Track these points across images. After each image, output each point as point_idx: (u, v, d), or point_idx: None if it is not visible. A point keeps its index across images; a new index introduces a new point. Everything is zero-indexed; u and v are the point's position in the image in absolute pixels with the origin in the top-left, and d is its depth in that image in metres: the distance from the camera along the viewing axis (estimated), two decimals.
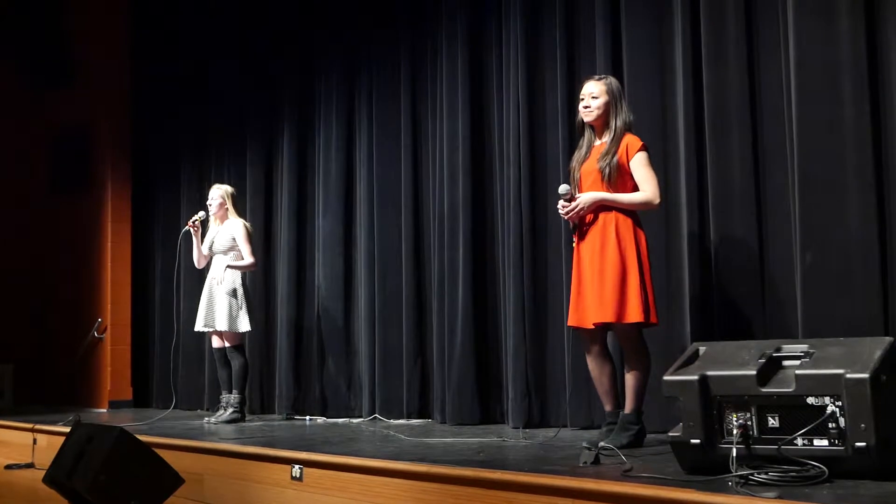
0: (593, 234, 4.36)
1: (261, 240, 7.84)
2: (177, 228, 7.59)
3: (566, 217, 4.44)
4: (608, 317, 4.25)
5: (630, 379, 4.34)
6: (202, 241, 6.96)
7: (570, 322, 4.48)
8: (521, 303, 5.71)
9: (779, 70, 4.59)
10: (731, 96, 4.79)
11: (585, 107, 4.50)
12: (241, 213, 7.13)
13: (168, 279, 8.68)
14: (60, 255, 9.74)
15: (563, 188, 4.42)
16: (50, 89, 9.87)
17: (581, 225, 4.43)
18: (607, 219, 4.34)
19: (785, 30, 4.50)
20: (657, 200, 4.36)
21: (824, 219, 4.24)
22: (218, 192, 6.99)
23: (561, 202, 4.41)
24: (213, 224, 6.99)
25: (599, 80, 4.54)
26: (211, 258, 6.92)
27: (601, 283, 4.27)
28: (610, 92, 4.47)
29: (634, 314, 4.23)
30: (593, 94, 4.49)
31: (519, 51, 5.91)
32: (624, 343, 4.41)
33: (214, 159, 8.67)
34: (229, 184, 7.33)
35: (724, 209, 4.77)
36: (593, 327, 4.34)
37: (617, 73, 5.27)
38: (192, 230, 6.89)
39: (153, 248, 9.36)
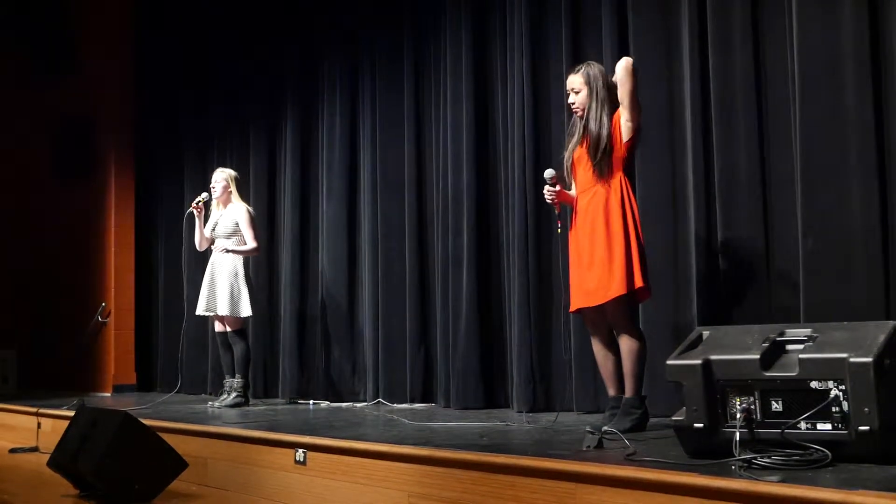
0: (584, 219, 4.40)
1: (264, 225, 7.85)
2: (180, 213, 7.60)
3: (552, 201, 4.47)
4: (599, 299, 4.29)
5: (627, 362, 4.34)
6: (205, 224, 6.97)
7: (572, 308, 4.51)
8: (526, 288, 5.71)
9: (784, 57, 4.58)
10: (737, 83, 4.77)
11: (572, 103, 4.52)
12: (244, 197, 7.13)
13: (171, 263, 8.71)
14: (64, 241, 9.75)
15: (548, 172, 4.45)
16: (53, 77, 9.86)
17: (574, 209, 4.48)
18: (595, 200, 4.35)
19: (790, 17, 4.48)
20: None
21: (827, 205, 4.24)
22: (221, 176, 6.98)
23: (546, 187, 4.44)
24: (216, 208, 6.99)
25: (577, 71, 4.52)
26: (213, 242, 6.93)
27: (602, 263, 4.30)
28: (588, 81, 4.45)
29: (617, 287, 4.25)
30: (574, 89, 4.49)
31: (524, 36, 5.89)
32: (615, 323, 4.39)
33: (217, 144, 8.67)
34: (232, 168, 7.32)
35: (731, 195, 4.77)
36: (594, 307, 4.35)
37: None
38: (195, 212, 6.89)
39: (156, 233, 9.37)
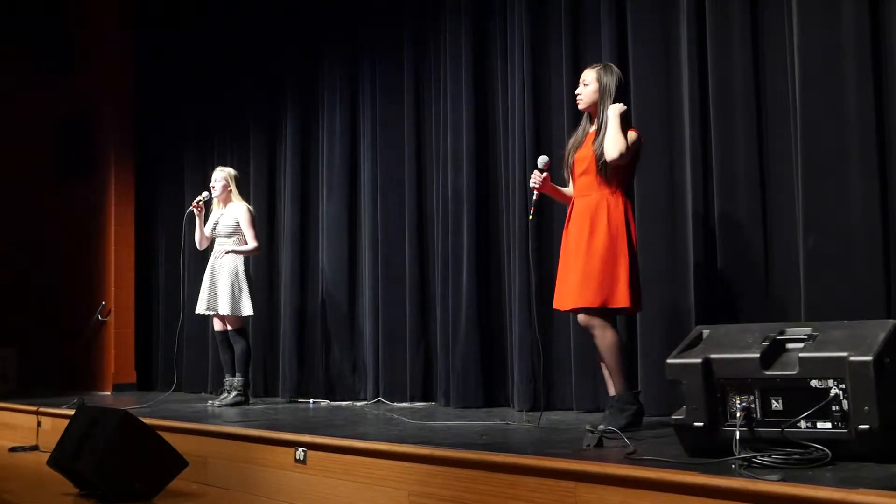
0: (575, 223, 4.40)
1: (264, 224, 7.84)
2: (180, 212, 7.61)
3: (537, 188, 4.48)
4: (568, 304, 4.32)
5: (607, 359, 4.32)
6: (205, 223, 6.97)
7: (554, 304, 4.52)
8: (527, 287, 5.70)
9: (783, 55, 4.58)
10: (736, 81, 4.78)
11: (578, 94, 4.54)
12: (244, 196, 7.13)
13: (172, 262, 8.71)
14: (64, 240, 9.76)
15: (542, 159, 4.48)
16: (53, 76, 9.87)
17: (570, 210, 4.48)
18: (589, 207, 4.35)
19: (789, 15, 4.48)
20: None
21: (827, 203, 4.24)
22: (221, 175, 6.98)
23: (535, 172, 4.46)
24: (216, 207, 6.99)
25: (594, 67, 4.55)
26: (213, 241, 6.93)
27: (580, 271, 4.30)
28: (599, 79, 4.46)
29: (586, 298, 4.26)
30: (585, 82, 4.52)
31: (524, 35, 5.89)
32: (588, 324, 4.38)
33: (217, 142, 8.68)
34: (232, 168, 7.32)
35: (729, 194, 4.77)
36: (572, 309, 4.37)
37: (622, 59, 5.26)
38: (195, 211, 6.88)
39: (157, 231, 9.37)
